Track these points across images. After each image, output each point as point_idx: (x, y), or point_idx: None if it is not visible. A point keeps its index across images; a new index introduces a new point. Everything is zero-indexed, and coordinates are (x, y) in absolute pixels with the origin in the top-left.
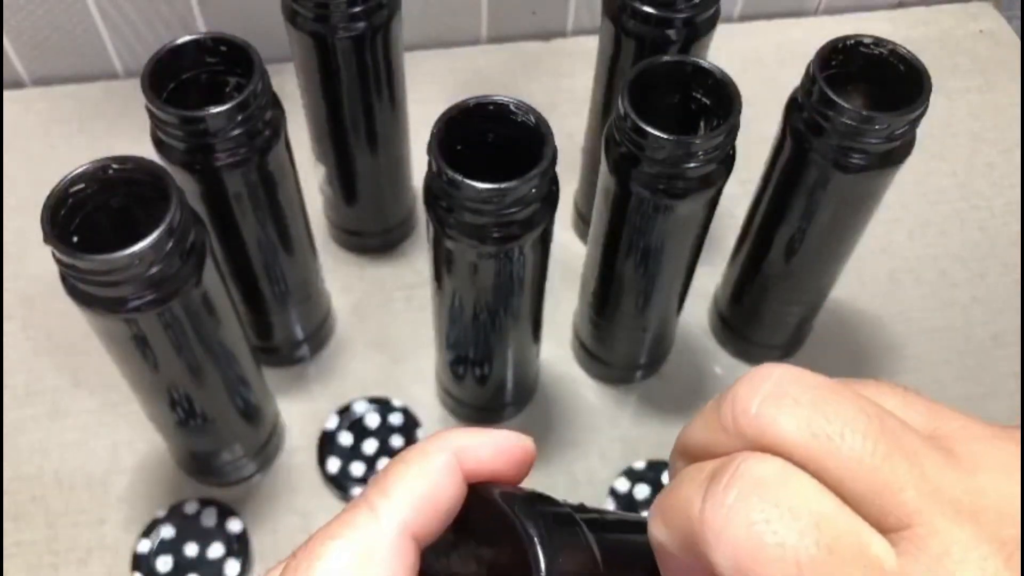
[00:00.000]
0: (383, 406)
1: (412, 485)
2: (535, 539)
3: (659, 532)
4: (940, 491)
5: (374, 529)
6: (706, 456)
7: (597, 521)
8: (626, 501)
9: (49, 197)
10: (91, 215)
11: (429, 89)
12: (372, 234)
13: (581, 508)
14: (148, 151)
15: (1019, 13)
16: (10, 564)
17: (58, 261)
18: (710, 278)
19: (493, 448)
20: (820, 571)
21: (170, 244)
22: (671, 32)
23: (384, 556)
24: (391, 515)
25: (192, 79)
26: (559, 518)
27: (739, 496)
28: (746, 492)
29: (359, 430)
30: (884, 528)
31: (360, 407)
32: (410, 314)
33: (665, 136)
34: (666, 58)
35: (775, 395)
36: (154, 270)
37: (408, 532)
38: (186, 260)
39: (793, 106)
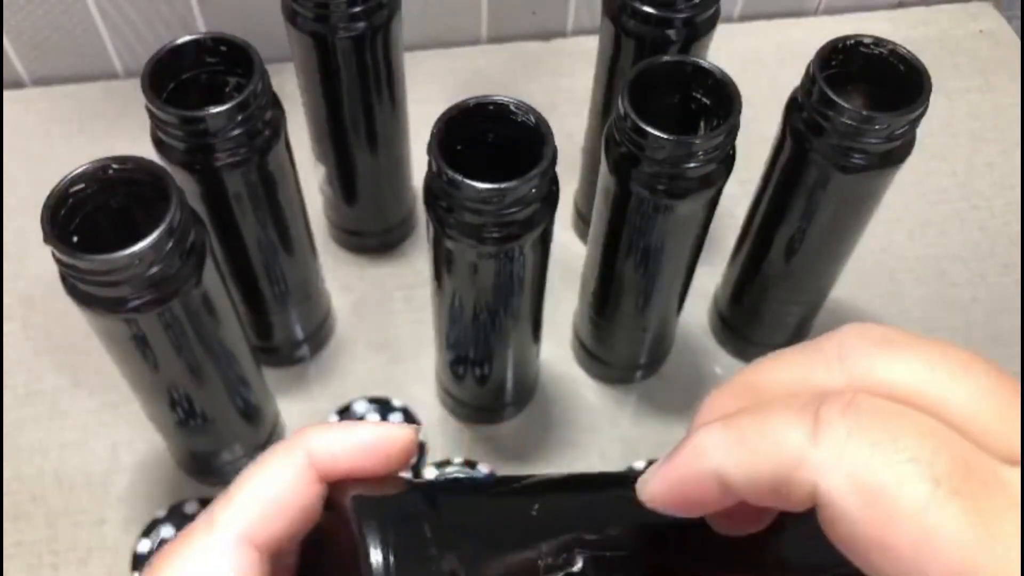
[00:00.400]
0: (383, 406)
1: (255, 491)
2: (368, 544)
3: (727, 458)
4: None
5: (208, 541)
6: (783, 397)
7: (479, 503)
8: None
9: (49, 197)
10: (91, 215)
11: (429, 89)
12: (372, 234)
13: (476, 487)
14: (148, 151)
15: (1019, 13)
16: (10, 564)
17: (58, 261)
18: (710, 278)
19: (351, 446)
20: (959, 488)
21: (170, 244)
22: (671, 32)
23: (218, 568)
24: (227, 525)
25: (192, 79)
26: (405, 517)
27: (859, 420)
28: (867, 416)
29: None
30: (1014, 462)
31: (360, 407)
32: (410, 314)
33: (665, 136)
34: (666, 58)
35: (888, 340)
36: (154, 270)
37: (246, 541)
38: (186, 260)
39: (793, 106)
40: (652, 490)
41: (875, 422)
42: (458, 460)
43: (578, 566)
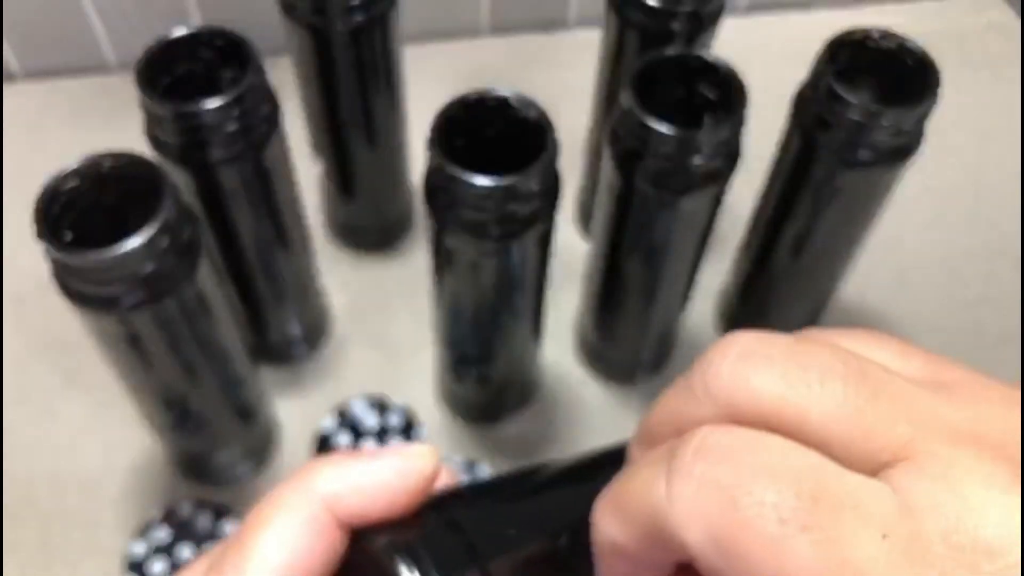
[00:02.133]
0: (381, 406)
1: (268, 557)
2: None
3: (611, 527)
4: (935, 420)
5: None
6: (673, 436)
7: (510, 536)
8: None
9: (41, 193)
10: (84, 211)
11: (428, 82)
12: (370, 230)
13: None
14: (142, 146)
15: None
16: (2, 566)
17: (50, 258)
18: (715, 275)
19: (371, 491)
20: (806, 523)
21: (164, 241)
22: (676, 25)
23: None
24: None
25: (187, 73)
26: (450, 558)
27: (708, 465)
28: (716, 460)
29: (357, 430)
30: (877, 468)
31: (358, 407)
32: (409, 312)
33: (670, 131)
34: (671, 52)
35: (746, 354)
36: (148, 267)
37: None
38: (180, 257)
39: (800, 101)
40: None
41: (723, 465)
42: (458, 460)
43: None
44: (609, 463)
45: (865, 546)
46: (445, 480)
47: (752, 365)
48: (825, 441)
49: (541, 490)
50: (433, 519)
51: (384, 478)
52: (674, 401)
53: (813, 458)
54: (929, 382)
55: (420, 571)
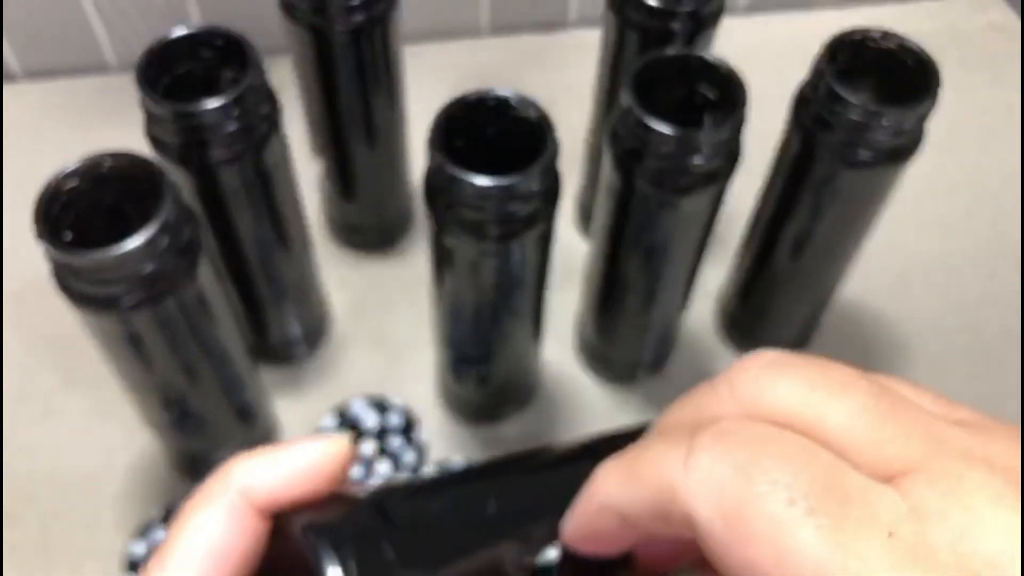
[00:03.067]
0: (381, 406)
1: (191, 547)
2: (327, 573)
3: (616, 489)
4: (949, 440)
5: None
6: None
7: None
8: None
9: (41, 193)
10: (84, 211)
11: (429, 83)
12: (370, 230)
13: (413, 492)
14: (142, 146)
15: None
16: (2, 566)
17: (50, 258)
18: (715, 275)
19: (286, 475)
20: (814, 507)
21: (164, 241)
22: (676, 25)
23: None
24: None
25: (187, 73)
26: (362, 538)
27: (727, 445)
28: (735, 442)
29: (357, 430)
30: (888, 477)
31: (358, 406)
32: (409, 312)
33: (670, 131)
34: (671, 52)
35: (776, 362)
36: (148, 267)
37: None
38: (180, 257)
39: (800, 101)
40: (566, 531)
41: (741, 447)
42: (458, 459)
43: (553, 555)
44: (562, 465)
45: (870, 540)
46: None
47: (780, 371)
48: (841, 447)
49: (477, 479)
50: (353, 502)
51: (296, 463)
52: (697, 399)
53: (828, 456)
54: (943, 415)
55: (333, 546)
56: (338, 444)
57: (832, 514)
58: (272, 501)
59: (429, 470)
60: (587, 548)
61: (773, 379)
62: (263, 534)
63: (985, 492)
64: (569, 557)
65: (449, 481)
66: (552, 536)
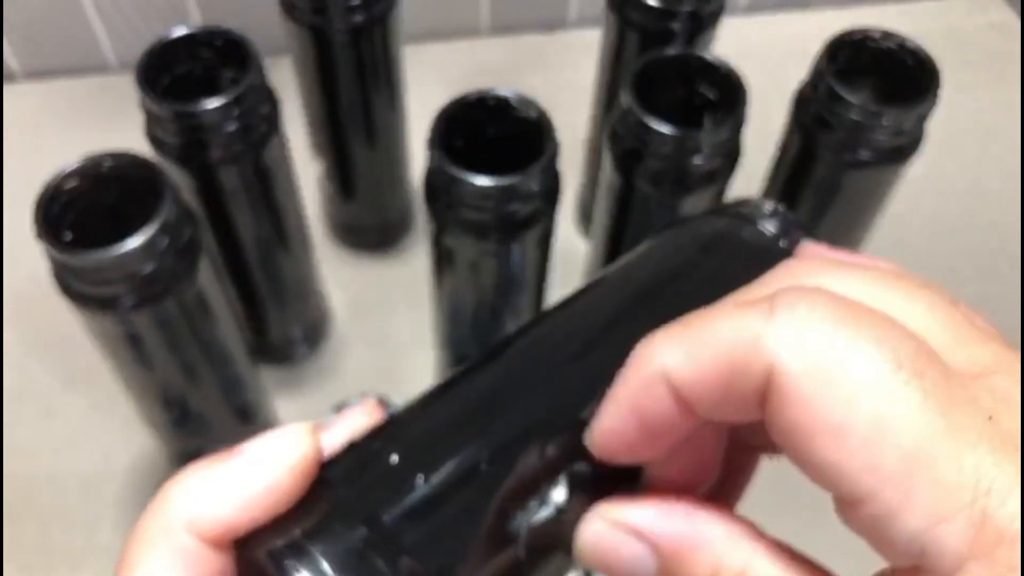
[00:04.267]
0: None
1: None
2: None
3: (674, 356)
4: (1015, 350)
5: None
6: None
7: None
8: None
9: (41, 193)
10: (84, 211)
11: (429, 82)
12: (370, 230)
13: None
14: (142, 146)
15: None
16: (2, 567)
17: (50, 258)
18: None
19: (241, 502)
20: (924, 372)
21: (164, 241)
22: (676, 25)
23: None
24: None
25: (187, 73)
26: (344, 550)
27: (819, 303)
28: (828, 301)
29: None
30: (972, 375)
31: None
32: (409, 312)
33: (670, 131)
34: (671, 52)
35: (839, 259)
36: (147, 268)
37: None
38: (180, 257)
39: (800, 101)
40: (596, 431)
41: (837, 306)
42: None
43: (560, 497)
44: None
45: (973, 417)
46: (365, 419)
47: (849, 268)
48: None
49: (427, 411)
50: (320, 500)
51: (244, 485)
52: (755, 286)
53: (920, 337)
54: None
55: (310, 571)
56: (299, 446)
57: (937, 383)
58: (227, 532)
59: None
60: (619, 451)
61: (843, 274)
62: (225, 567)
63: None
64: (580, 485)
65: (430, 414)
66: (564, 459)
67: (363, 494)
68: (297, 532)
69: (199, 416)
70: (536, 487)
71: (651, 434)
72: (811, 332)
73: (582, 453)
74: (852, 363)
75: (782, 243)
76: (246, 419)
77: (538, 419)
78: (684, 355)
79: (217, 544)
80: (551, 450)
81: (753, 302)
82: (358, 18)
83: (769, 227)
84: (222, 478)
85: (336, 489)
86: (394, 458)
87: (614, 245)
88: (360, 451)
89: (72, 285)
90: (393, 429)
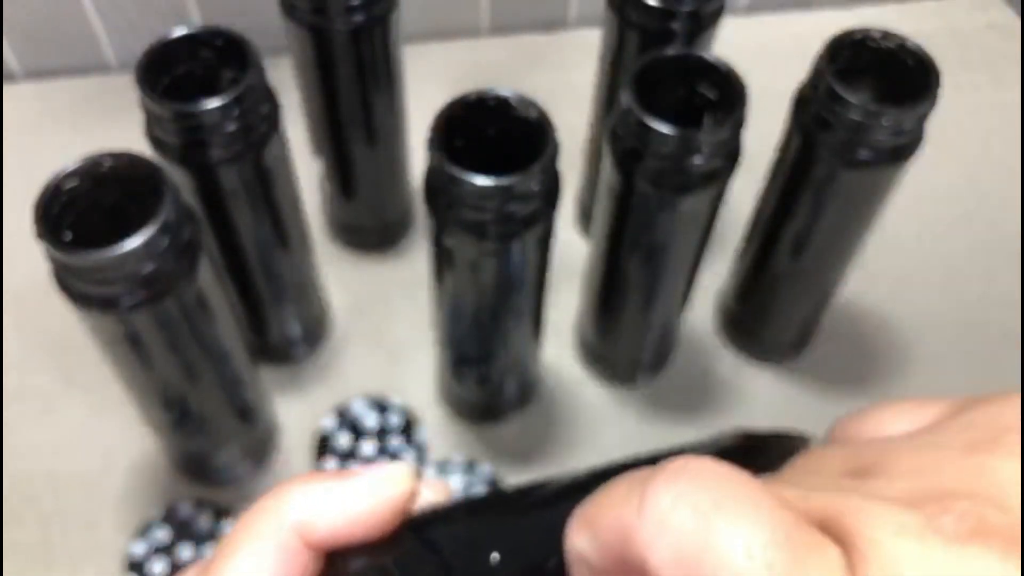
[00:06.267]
0: (381, 406)
1: None
2: None
3: (582, 542)
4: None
5: None
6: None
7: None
8: None
9: (41, 193)
10: (84, 211)
11: (429, 82)
12: (370, 230)
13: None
14: (142, 146)
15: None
16: (2, 566)
17: (50, 258)
18: (715, 275)
19: (343, 518)
20: (772, 562)
21: (164, 241)
22: (676, 24)
23: None
24: None
25: (187, 73)
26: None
27: (685, 487)
28: (695, 483)
29: (357, 430)
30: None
31: (358, 407)
32: (409, 312)
33: (670, 131)
34: (671, 52)
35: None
36: (148, 267)
37: None
38: (180, 257)
39: (800, 100)
40: None
41: (700, 487)
42: (458, 459)
43: None
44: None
45: None
46: (435, 494)
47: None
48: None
49: (530, 510)
50: (410, 540)
51: (357, 504)
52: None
53: (783, 498)
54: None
55: None
56: (402, 483)
57: (791, 564)
58: (330, 541)
59: (485, 472)
60: None
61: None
62: (316, 571)
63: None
64: None
65: (498, 503)
66: None
67: (439, 540)
68: (389, 560)
69: (199, 416)
70: None
71: None
72: (674, 525)
73: None
74: (709, 554)
75: None
76: (246, 419)
77: None
78: (587, 542)
79: (316, 550)
80: None
81: (632, 484)
82: (358, 18)
83: None
84: (339, 492)
85: (423, 534)
86: (495, 556)
87: (614, 245)
88: (454, 523)
89: (72, 285)
90: (494, 526)
